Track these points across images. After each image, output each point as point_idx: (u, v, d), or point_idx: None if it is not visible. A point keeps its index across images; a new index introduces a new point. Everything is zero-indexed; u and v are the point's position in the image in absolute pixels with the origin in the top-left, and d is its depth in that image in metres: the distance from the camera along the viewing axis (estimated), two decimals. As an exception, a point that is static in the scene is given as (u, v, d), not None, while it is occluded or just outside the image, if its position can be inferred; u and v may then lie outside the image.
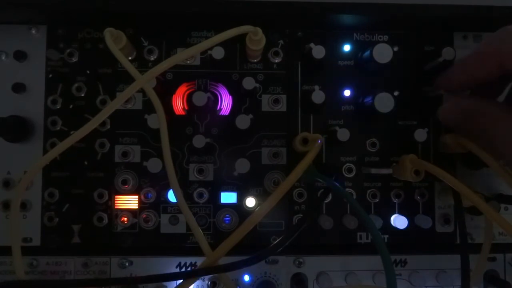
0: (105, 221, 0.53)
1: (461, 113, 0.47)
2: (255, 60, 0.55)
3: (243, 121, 0.50)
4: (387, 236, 0.56)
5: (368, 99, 0.52)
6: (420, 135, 0.52)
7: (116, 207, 0.54)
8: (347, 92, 0.56)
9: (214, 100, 0.54)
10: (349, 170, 0.55)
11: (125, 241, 0.53)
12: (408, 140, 0.53)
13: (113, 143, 0.54)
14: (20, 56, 0.54)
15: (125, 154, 0.53)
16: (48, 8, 0.51)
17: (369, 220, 0.41)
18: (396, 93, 0.51)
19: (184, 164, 0.55)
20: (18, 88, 0.53)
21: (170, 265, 0.53)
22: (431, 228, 0.54)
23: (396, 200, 0.55)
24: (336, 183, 0.46)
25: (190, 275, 0.43)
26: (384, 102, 0.50)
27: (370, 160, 0.56)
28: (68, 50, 0.54)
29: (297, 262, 0.54)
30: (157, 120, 0.48)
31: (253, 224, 0.42)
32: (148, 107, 0.53)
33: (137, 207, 0.54)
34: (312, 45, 0.52)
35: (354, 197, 0.55)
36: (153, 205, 0.54)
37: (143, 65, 0.54)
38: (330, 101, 0.54)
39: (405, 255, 0.55)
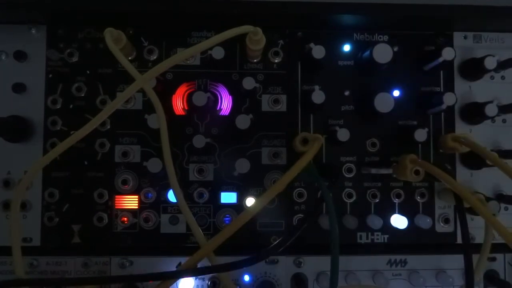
0: (105, 221, 0.53)
1: None
2: (255, 60, 0.55)
3: (243, 121, 0.50)
4: (387, 236, 0.56)
5: (368, 99, 0.52)
6: (420, 135, 0.51)
7: (116, 207, 0.54)
8: (347, 92, 0.56)
9: (214, 100, 0.54)
10: (349, 170, 0.55)
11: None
12: (408, 140, 0.53)
13: (113, 143, 0.54)
14: (20, 56, 0.54)
15: (125, 154, 0.53)
16: (48, 8, 0.51)
17: (334, 225, 0.42)
18: (396, 93, 0.51)
19: (184, 164, 0.55)
20: (18, 88, 0.53)
21: (170, 265, 0.53)
22: (431, 228, 0.54)
23: (396, 200, 0.55)
24: (326, 183, 0.46)
25: (191, 273, 0.43)
26: (384, 102, 0.51)
27: (370, 160, 0.56)
28: (68, 50, 0.54)
29: (297, 262, 0.54)
30: (157, 120, 0.48)
31: (250, 215, 0.41)
32: (148, 107, 0.53)
33: (137, 207, 0.54)
34: (312, 45, 0.52)
35: (354, 197, 0.55)
36: (153, 205, 0.54)
37: (143, 65, 0.55)
38: (330, 101, 0.54)
39: (405, 255, 0.55)
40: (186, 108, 0.54)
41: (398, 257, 0.55)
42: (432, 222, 0.54)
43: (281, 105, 0.55)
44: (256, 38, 0.48)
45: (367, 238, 0.56)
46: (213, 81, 0.55)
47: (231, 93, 0.55)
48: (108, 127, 0.54)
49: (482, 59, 0.53)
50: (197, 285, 0.53)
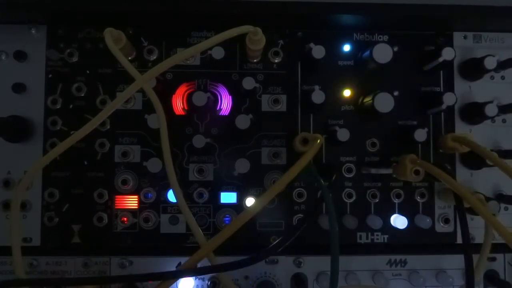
0: (105, 221, 0.53)
1: None
2: (255, 60, 0.55)
3: (243, 121, 0.50)
4: (387, 236, 0.56)
5: (368, 99, 0.52)
6: (420, 135, 0.51)
7: (116, 207, 0.54)
8: (347, 92, 0.56)
9: (214, 100, 0.54)
10: (349, 170, 0.55)
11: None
12: (408, 140, 0.53)
13: (113, 143, 0.54)
14: (20, 56, 0.54)
15: (125, 154, 0.53)
16: (48, 8, 0.51)
17: (334, 225, 0.42)
18: (396, 93, 0.51)
19: (184, 164, 0.55)
20: (18, 88, 0.53)
21: (170, 265, 0.53)
22: (431, 228, 0.54)
23: (396, 200, 0.55)
24: (326, 184, 0.46)
25: (191, 273, 0.43)
26: (384, 102, 0.51)
27: (370, 160, 0.56)
28: (68, 50, 0.54)
29: (297, 262, 0.54)
30: (157, 120, 0.48)
31: (250, 215, 0.41)
32: (148, 107, 0.53)
33: (137, 207, 0.54)
34: (312, 45, 0.52)
35: (354, 197, 0.55)
36: (153, 205, 0.54)
37: (143, 65, 0.55)
38: (330, 101, 0.54)
39: (405, 255, 0.55)
40: (186, 108, 0.54)
41: (398, 257, 0.55)
42: (432, 222, 0.54)
43: (281, 105, 0.55)
44: (256, 38, 0.48)
45: (367, 238, 0.56)
46: (213, 81, 0.55)
47: (231, 93, 0.55)
48: (108, 127, 0.54)
49: (482, 59, 0.53)
50: (197, 285, 0.53)
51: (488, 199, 0.53)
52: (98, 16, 0.53)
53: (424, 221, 0.54)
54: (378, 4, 0.51)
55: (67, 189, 0.54)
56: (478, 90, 0.57)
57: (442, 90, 0.56)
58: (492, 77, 0.57)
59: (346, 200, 0.55)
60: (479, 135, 0.56)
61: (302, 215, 0.55)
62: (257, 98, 0.55)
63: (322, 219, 0.54)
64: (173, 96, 0.54)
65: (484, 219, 0.46)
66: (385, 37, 0.57)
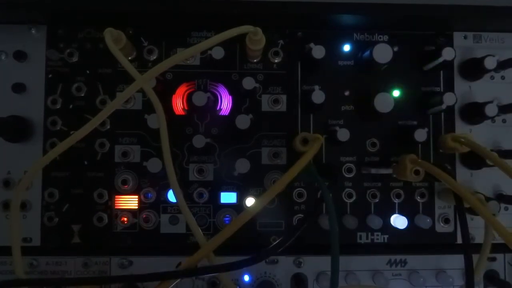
0: (105, 221, 0.53)
1: None
2: (255, 60, 0.55)
3: (243, 121, 0.50)
4: (387, 236, 0.56)
5: (368, 99, 0.52)
6: (420, 135, 0.52)
7: (116, 207, 0.54)
8: (347, 92, 0.56)
9: (214, 100, 0.54)
10: (349, 170, 0.55)
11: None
12: (408, 140, 0.53)
13: (113, 143, 0.54)
14: (20, 56, 0.54)
15: (125, 154, 0.53)
16: (48, 8, 0.51)
17: (334, 225, 0.42)
18: (395, 93, 0.51)
19: (184, 164, 0.55)
20: (18, 88, 0.53)
21: (170, 265, 0.53)
22: (431, 228, 0.54)
23: (396, 200, 0.55)
24: (326, 184, 0.46)
25: (191, 273, 0.43)
26: (383, 102, 0.51)
27: (370, 160, 0.56)
28: (68, 50, 0.54)
29: (297, 262, 0.54)
30: (157, 120, 0.48)
31: (250, 215, 0.41)
32: (148, 107, 0.53)
33: (137, 207, 0.54)
34: (312, 45, 0.52)
35: (354, 197, 0.55)
36: (153, 205, 0.54)
37: (143, 65, 0.55)
38: (330, 101, 0.54)
39: (405, 255, 0.55)
40: (186, 108, 0.54)
41: (398, 257, 0.55)
42: (432, 222, 0.54)
43: (281, 105, 0.55)
44: (256, 38, 0.48)
45: (367, 238, 0.56)
46: (213, 81, 0.55)
47: (231, 93, 0.55)
48: (108, 127, 0.54)
49: (482, 59, 0.53)
50: (197, 285, 0.53)
51: (488, 199, 0.53)
52: (98, 16, 0.53)
53: (424, 221, 0.54)
54: (378, 4, 0.51)
55: (67, 189, 0.54)
56: (478, 90, 0.57)
57: (442, 90, 0.56)
58: (492, 77, 0.57)
59: (346, 200, 0.55)
60: (479, 135, 0.56)
61: (302, 215, 0.55)
62: (257, 98, 0.55)
63: (322, 219, 0.54)
64: (173, 96, 0.54)
65: (484, 219, 0.46)
66: (385, 37, 0.57)
